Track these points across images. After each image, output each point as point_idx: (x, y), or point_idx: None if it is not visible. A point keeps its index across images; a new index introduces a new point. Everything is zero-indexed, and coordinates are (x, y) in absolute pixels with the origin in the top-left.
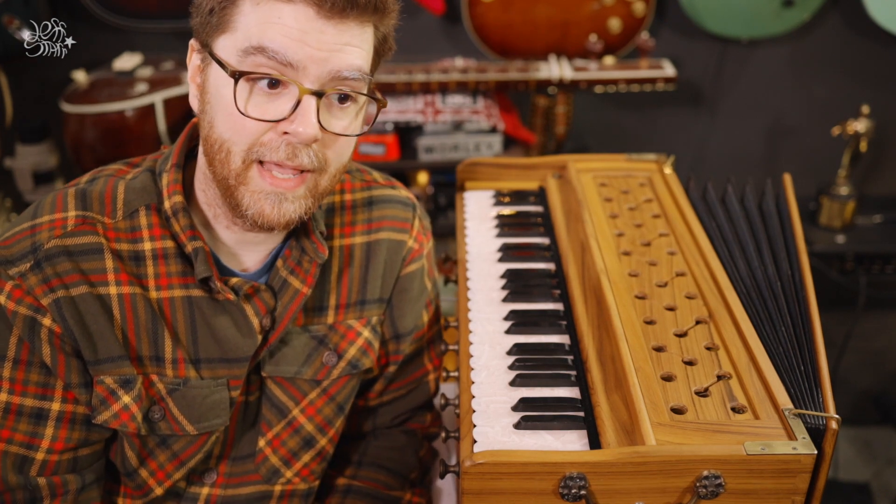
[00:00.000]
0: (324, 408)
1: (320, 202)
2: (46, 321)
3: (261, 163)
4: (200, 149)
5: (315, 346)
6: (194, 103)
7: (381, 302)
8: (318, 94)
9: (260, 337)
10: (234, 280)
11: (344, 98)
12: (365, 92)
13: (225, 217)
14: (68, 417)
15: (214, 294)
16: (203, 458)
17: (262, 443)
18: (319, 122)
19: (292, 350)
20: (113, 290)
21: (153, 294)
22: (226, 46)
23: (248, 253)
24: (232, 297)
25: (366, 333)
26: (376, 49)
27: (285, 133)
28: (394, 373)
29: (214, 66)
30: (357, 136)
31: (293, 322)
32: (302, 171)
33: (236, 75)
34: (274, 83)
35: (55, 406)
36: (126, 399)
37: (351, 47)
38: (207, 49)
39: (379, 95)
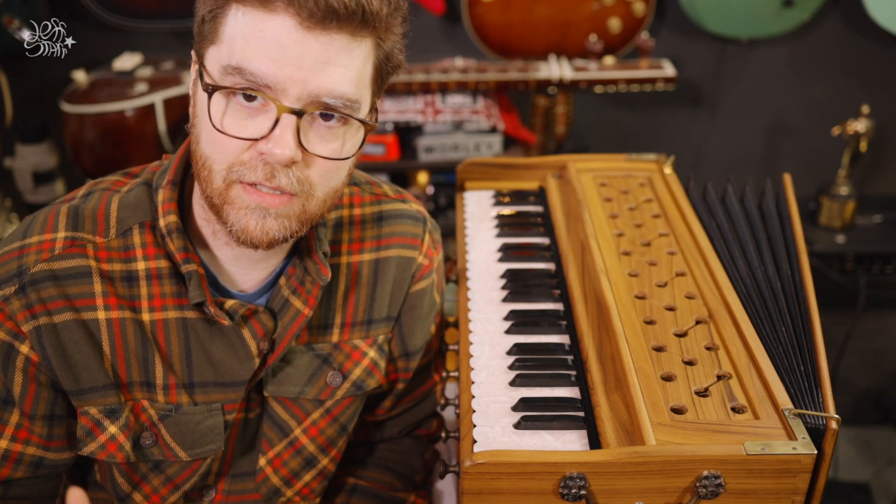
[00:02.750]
0: (326, 428)
1: (310, 226)
2: (24, 348)
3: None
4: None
5: (319, 366)
6: (191, 118)
7: (388, 320)
8: (298, 114)
9: (258, 360)
10: (230, 302)
11: (329, 117)
12: (352, 115)
13: (223, 233)
14: (14, 457)
15: (211, 318)
16: (199, 479)
17: (262, 462)
18: (301, 142)
19: (295, 370)
20: (101, 314)
21: (146, 316)
22: (212, 58)
23: (248, 272)
24: (227, 322)
25: (371, 353)
26: (378, 67)
27: (262, 153)
28: (403, 389)
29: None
30: (342, 159)
31: (297, 341)
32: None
33: (210, 89)
34: (250, 97)
35: (2, 444)
36: (112, 429)
37: (334, 66)
38: (200, 60)
39: (367, 119)
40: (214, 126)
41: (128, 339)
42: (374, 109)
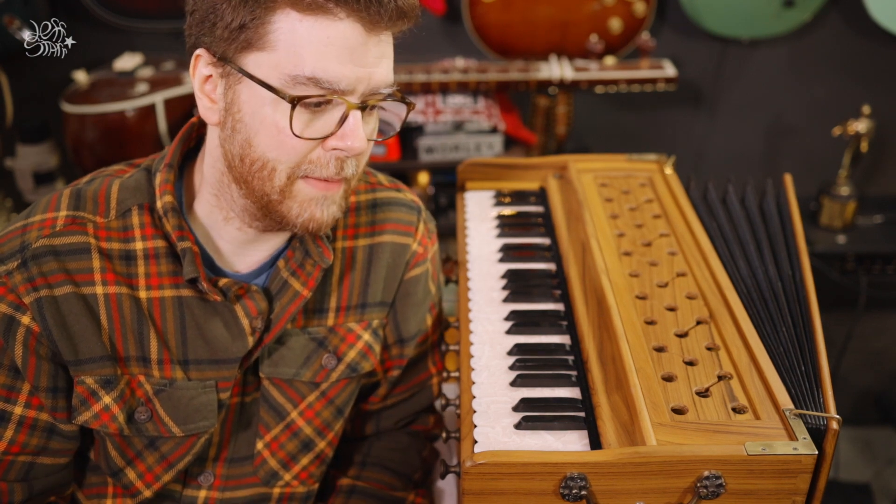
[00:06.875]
0: (322, 411)
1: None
2: (25, 319)
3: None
4: (208, 155)
5: (314, 349)
6: (211, 117)
7: (382, 305)
8: (364, 108)
9: (252, 339)
10: (223, 281)
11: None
12: (404, 96)
13: (240, 220)
14: (29, 423)
15: (204, 294)
16: (192, 460)
17: (260, 445)
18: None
19: (291, 352)
20: (99, 289)
21: (142, 294)
22: (261, 64)
23: (248, 254)
24: (219, 298)
25: (366, 337)
26: None
27: (334, 148)
28: (397, 377)
29: (247, 83)
30: (384, 140)
31: (293, 323)
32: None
33: (295, 101)
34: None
35: (17, 410)
36: (107, 399)
37: (385, 59)
38: (232, 65)
39: (408, 98)
40: (296, 135)
41: (124, 314)
42: None
